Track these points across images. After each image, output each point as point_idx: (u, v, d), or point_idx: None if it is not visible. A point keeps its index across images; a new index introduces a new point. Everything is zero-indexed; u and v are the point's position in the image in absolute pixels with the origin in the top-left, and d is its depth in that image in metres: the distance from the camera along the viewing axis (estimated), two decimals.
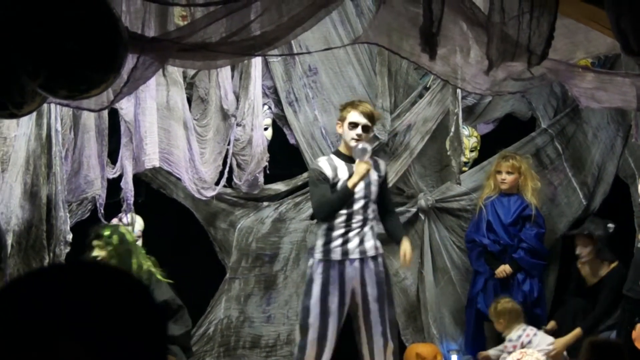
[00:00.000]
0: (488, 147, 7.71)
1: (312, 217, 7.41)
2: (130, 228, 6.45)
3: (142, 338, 1.32)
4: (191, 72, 6.55)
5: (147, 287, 1.38)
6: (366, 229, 6.16)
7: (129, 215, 6.39)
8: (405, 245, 6.22)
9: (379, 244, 6.25)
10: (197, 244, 7.33)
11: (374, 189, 6.18)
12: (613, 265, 7.00)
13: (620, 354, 5.16)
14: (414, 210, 7.55)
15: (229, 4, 3.78)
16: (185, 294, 6.83)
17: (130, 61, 3.60)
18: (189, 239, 7.29)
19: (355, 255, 6.14)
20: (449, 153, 7.18)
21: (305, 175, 7.29)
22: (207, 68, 6.02)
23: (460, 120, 7.10)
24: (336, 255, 6.11)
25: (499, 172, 7.24)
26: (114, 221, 6.49)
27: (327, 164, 6.15)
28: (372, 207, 6.20)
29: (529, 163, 7.37)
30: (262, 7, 3.85)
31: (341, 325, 6.27)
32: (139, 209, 6.43)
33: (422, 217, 7.53)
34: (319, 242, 6.15)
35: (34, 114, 5.05)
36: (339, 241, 6.11)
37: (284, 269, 7.43)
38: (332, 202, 6.08)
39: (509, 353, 6.68)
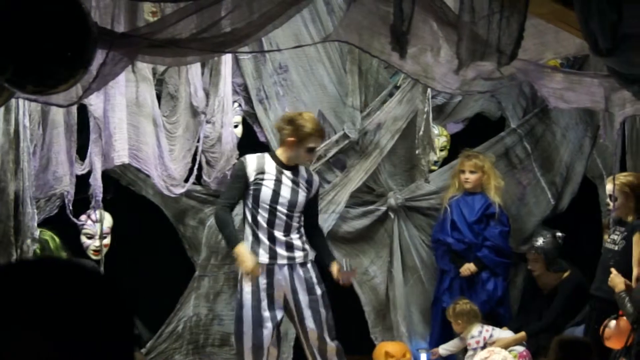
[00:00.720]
0: (457, 146, 7.74)
1: None
2: (98, 225, 6.42)
3: (108, 331, 1.32)
4: (161, 68, 6.52)
5: (115, 281, 1.37)
6: (293, 236, 6.15)
7: (97, 212, 6.35)
8: (335, 270, 6.24)
9: (308, 248, 6.23)
10: (166, 241, 7.31)
11: (300, 200, 6.15)
12: (565, 274, 7.17)
13: (589, 351, 5.20)
14: (383, 209, 7.56)
15: (199, 0, 3.77)
16: (154, 292, 6.81)
17: (99, 57, 3.58)
18: (158, 236, 7.26)
19: (283, 261, 6.12)
20: (418, 152, 7.20)
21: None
22: (176, 64, 6.00)
23: (430, 119, 7.13)
24: (263, 258, 6.10)
25: (462, 172, 7.31)
26: (82, 218, 6.46)
27: (255, 161, 6.17)
28: (297, 217, 6.18)
29: (492, 162, 7.42)
30: (233, 4, 3.84)
31: (281, 331, 6.29)
32: (107, 206, 6.39)
33: (392, 215, 7.55)
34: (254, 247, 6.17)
35: (2, 109, 5.01)
36: (266, 247, 6.10)
37: None
38: (221, 226, 6.25)
39: (474, 350, 6.73)
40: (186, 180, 6.74)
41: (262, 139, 7.42)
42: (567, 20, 4.14)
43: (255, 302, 6.11)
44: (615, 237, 6.25)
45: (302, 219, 6.25)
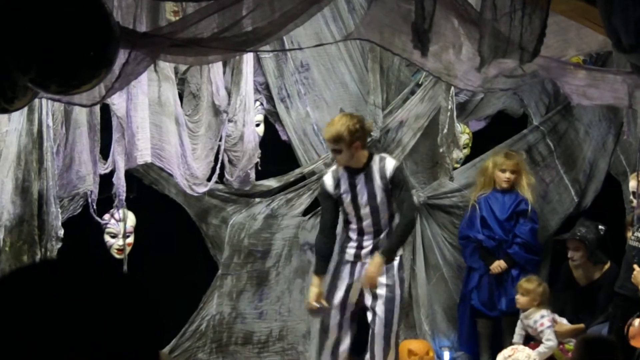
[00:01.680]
0: (480, 144, 7.72)
1: (304, 214, 7.42)
2: (121, 224, 6.45)
3: (132, 333, 1.32)
4: (183, 67, 6.54)
5: (140, 284, 1.37)
6: (381, 236, 6.19)
7: (120, 211, 6.38)
8: (373, 262, 6.18)
9: (400, 250, 6.29)
10: (189, 240, 7.32)
11: (379, 197, 6.14)
12: (606, 267, 7.03)
13: (613, 350, 5.17)
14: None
15: (220, 0, 3.78)
16: (178, 290, 6.83)
17: (121, 56, 3.59)
18: (180, 235, 7.27)
19: (367, 259, 6.18)
20: (441, 150, 7.18)
21: (297, 171, 7.31)
22: (198, 64, 6.01)
23: (454, 117, 7.11)
24: (349, 256, 6.19)
25: (503, 171, 7.21)
26: (106, 217, 6.48)
27: (331, 179, 6.20)
28: (383, 214, 6.18)
29: (523, 159, 7.40)
30: (254, 3, 3.84)
31: (349, 322, 6.32)
32: (130, 205, 6.42)
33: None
34: (338, 241, 6.29)
35: (26, 109, 5.04)
36: (354, 245, 6.20)
37: (276, 265, 7.43)
38: (317, 244, 6.36)
39: (541, 332, 6.68)
40: (209, 179, 6.76)
41: (283, 137, 7.43)
42: (590, 17, 4.12)
43: (331, 287, 6.28)
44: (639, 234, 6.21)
45: (389, 214, 6.27)
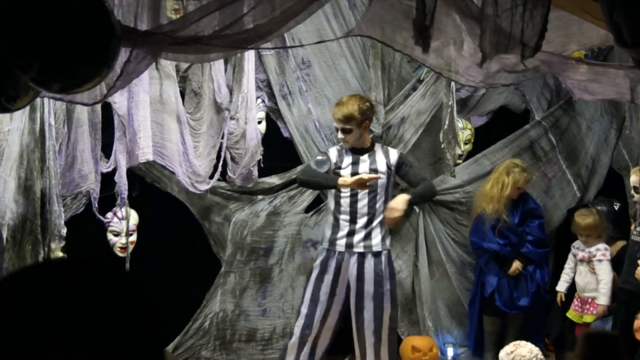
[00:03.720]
0: (482, 139, 7.72)
1: (306, 211, 7.43)
2: (124, 222, 6.45)
3: (136, 332, 1.32)
4: (184, 65, 6.54)
5: (143, 282, 1.37)
6: (374, 223, 6.26)
7: (123, 209, 6.39)
8: (398, 197, 6.33)
9: (388, 240, 6.36)
10: (191, 237, 7.33)
11: (381, 181, 6.28)
12: (620, 244, 7.02)
13: (616, 345, 5.16)
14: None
15: None
16: (181, 288, 6.84)
17: (123, 55, 3.59)
18: (183, 233, 7.28)
19: (359, 249, 6.25)
20: (443, 146, 7.18)
21: (299, 168, 7.31)
22: (200, 61, 6.02)
23: (455, 113, 7.11)
24: (340, 247, 6.24)
25: (519, 188, 7.18)
26: (109, 215, 6.49)
27: (336, 151, 6.45)
28: (380, 201, 6.28)
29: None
30: (255, 0, 3.84)
31: (335, 316, 6.37)
32: (133, 203, 6.43)
33: (417, 209, 7.53)
34: (327, 233, 6.38)
35: (27, 108, 5.04)
36: (344, 232, 6.25)
37: (279, 263, 7.43)
38: (315, 177, 6.35)
39: (599, 261, 6.78)
40: (211, 177, 6.77)
41: (285, 134, 7.44)
42: (591, 12, 4.11)
43: (317, 282, 6.37)
44: None
45: (384, 203, 6.37)
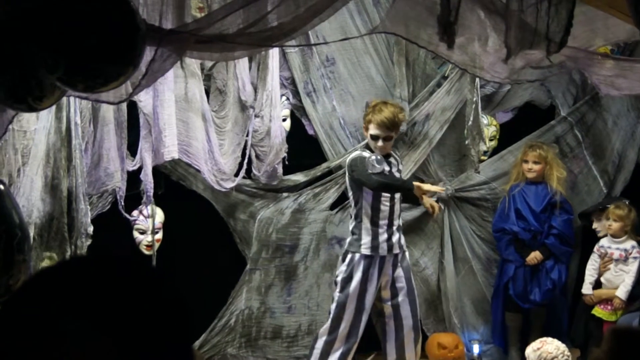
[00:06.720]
0: (507, 135, 7.69)
1: (331, 208, 7.43)
2: (150, 221, 6.49)
3: (168, 332, 1.33)
4: (209, 63, 6.55)
5: (171, 279, 1.38)
6: (400, 223, 6.41)
7: (149, 208, 6.42)
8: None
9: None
10: (217, 235, 7.35)
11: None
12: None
13: None
14: (433, 200, 7.54)
15: None
16: (206, 286, 6.86)
17: (148, 53, 3.60)
18: (209, 231, 7.30)
19: (396, 250, 6.34)
20: (467, 142, 7.16)
21: (324, 165, 7.31)
22: (224, 59, 6.02)
23: (479, 109, 7.08)
24: (383, 250, 6.29)
25: (526, 162, 7.23)
26: (134, 213, 6.52)
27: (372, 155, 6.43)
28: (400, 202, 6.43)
29: (554, 152, 7.36)
30: None
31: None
32: (158, 201, 6.46)
33: (442, 206, 7.52)
34: (366, 238, 6.34)
35: (54, 107, 5.07)
36: (385, 236, 6.31)
37: (304, 260, 7.44)
38: (395, 180, 6.41)
39: (625, 261, 6.79)
40: (236, 175, 6.78)
41: (310, 132, 7.44)
42: (617, 6, 4.09)
43: (362, 291, 6.35)
44: None
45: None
